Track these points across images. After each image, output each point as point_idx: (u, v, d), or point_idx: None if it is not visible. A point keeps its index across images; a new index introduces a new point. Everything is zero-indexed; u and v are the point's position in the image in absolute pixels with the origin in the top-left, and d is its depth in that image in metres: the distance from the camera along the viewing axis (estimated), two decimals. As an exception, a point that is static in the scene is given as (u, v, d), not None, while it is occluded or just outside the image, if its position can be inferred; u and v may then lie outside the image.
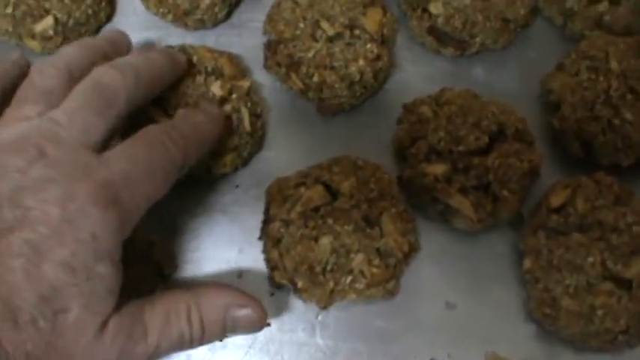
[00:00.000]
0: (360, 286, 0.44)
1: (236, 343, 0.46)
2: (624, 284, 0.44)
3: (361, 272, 0.44)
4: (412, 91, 0.50)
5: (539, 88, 0.52)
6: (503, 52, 0.53)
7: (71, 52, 0.41)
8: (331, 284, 0.44)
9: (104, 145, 0.37)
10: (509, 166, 0.46)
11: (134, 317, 0.36)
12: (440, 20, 0.51)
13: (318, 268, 0.43)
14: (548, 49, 0.53)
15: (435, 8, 0.51)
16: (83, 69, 0.39)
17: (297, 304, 0.46)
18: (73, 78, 0.39)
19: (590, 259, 0.44)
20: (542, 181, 0.48)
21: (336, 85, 0.48)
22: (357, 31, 0.48)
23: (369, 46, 0.48)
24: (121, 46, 0.45)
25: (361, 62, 0.48)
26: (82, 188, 0.33)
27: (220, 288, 0.40)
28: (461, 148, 0.46)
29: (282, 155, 0.50)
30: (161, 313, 0.37)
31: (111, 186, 0.34)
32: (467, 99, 0.49)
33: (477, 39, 0.51)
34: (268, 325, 0.41)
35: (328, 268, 0.43)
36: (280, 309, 0.46)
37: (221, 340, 0.41)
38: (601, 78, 0.49)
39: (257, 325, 0.40)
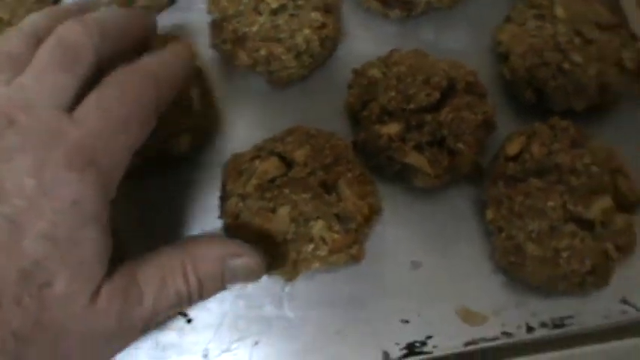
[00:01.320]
0: (322, 253, 0.44)
1: (205, 322, 0.45)
2: (586, 225, 0.44)
3: (322, 239, 0.44)
4: (362, 56, 0.49)
5: (490, 39, 0.51)
6: (452, 11, 0.52)
7: (37, 16, 0.39)
8: (294, 254, 0.44)
9: (78, 100, 0.34)
10: (462, 119, 0.46)
11: (128, 281, 0.34)
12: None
13: (278, 239, 0.43)
14: (497, 4, 0.53)
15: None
16: (50, 30, 0.37)
17: (263, 278, 0.46)
18: (41, 40, 0.36)
19: (551, 203, 0.44)
20: (499, 132, 0.48)
21: (284, 57, 0.48)
22: (300, 2, 0.48)
23: (313, 14, 0.48)
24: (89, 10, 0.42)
25: (306, 31, 0.48)
26: (55, 154, 0.32)
27: (212, 240, 0.39)
28: (412, 105, 0.46)
29: (239, 131, 0.50)
30: (156, 274, 0.35)
31: (85, 146, 0.33)
32: (416, 58, 0.48)
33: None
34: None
35: (289, 238, 0.43)
36: (246, 285, 0.46)
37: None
38: (548, 25, 0.49)
39: (256, 272, 0.39)
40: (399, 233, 0.47)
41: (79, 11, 0.41)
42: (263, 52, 0.48)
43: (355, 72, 0.49)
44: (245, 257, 0.38)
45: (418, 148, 0.46)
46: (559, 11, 0.49)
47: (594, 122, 0.49)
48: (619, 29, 0.50)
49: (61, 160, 0.32)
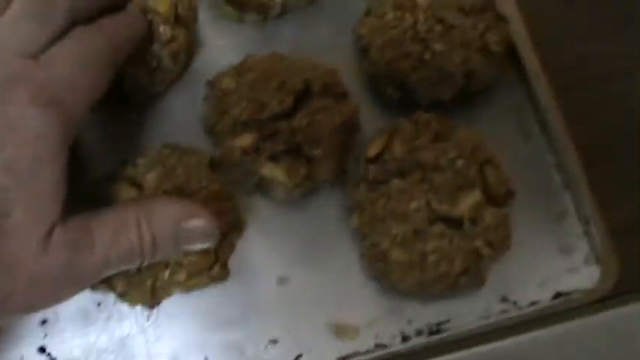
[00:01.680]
0: (180, 278, 0.42)
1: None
2: (455, 223, 0.42)
3: (178, 263, 0.41)
4: (219, 66, 0.47)
5: (351, 34, 0.49)
6: (312, 9, 0.50)
7: None
8: (149, 282, 0.42)
9: (45, 50, 0.36)
10: (318, 124, 0.43)
11: (81, 228, 0.35)
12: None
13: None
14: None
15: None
16: None
17: (125, 309, 0.44)
18: None
19: (414, 205, 0.42)
20: (367, 133, 0.46)
21: (137, 75, 0.45)
22: (149, 16, 0.46)
23: (161, 28, 0.45)
24: None
25: (155, 46, 0.45)
26: (20, 92, 0.33)
27: (169, 198, 0.40)
28: (266, 114, 0.43)
29: (93, 157, 0.47)
30: (109, 226, 0.36)
31: (49, 86, 0.34)
32: (271, 62, 0.46)
33: (278, -1, 0.48)
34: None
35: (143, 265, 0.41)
36: (110, 318, 0.44)
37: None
38: (407, 15, 0.46)
39: (210, 235, 0.39)
40: (265, 248, 0.45)
41: None
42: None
43: (209, 84, 0.46)
44: (200, 219, 0.38)
45: (273, 158, 0.43)
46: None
47: (466, 110, 0.47)
48: (484, 12, 0.47)
49: (26, 97, 0.33)
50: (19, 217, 0.33)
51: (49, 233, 0.34)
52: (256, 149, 0.43)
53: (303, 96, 0.44)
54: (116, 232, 0.36)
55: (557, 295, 0.44)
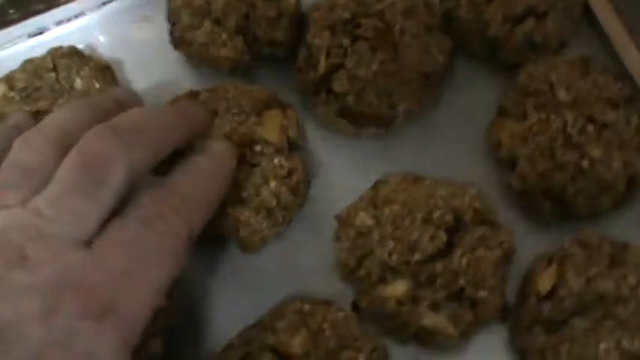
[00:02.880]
0: None
1: None
2: (650, 362, 0.37)
3: None
4: (341, 190, 0.41)
5: (483, 140, 0.43)
6: (433, 111, 0.44)
7: (64, 116, 0.33)
8: None
9: (100, 229, 0.30)
10: (479, 260, 0.38)
11: None
12: (350, 98, 0.42)
13: None
14: (481, 92, 0.44)
15: (339, 86, 0.42)
16: (77, 136, 0.31)
17: None
18: (67, 148, 0.31)
19: (602, 345, 0.37)
20: (517, 256, 0.40)
21: (252, 220, 0.39)
22: (257, 147, 0.39)
23: (276, 161, 0.39)
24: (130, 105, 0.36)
25: (273, 184, 0.39)
26: (67, 298, 0.28)
27: None
28: (418, 256, 0.38)
29: (215, 324, 0.41)
30: None
31: (104, 290, 0.28)
32: (408, 190, 0.40)
33: (400, 107, 0.42)
34: None
35: None
36: None
37: None
38: (552, 115, 0.41)
39: None
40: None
41: (117, 106, 0.35)
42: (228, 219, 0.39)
43: (340, 220, 0.41)
44: None
45: (434, 306, 0.38)
46: (562, 94, 0.41)
47: (615, 219, 0.42)
48: (633, 101, 0.42)
49: (75, 307, 0.28)
50: None
51: None
52: (413, 298, 0.38)
53: (453, 228, 0.39)
54: None
55: None
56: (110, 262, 0.29)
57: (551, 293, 0.39)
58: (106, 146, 0.30)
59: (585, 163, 0.40)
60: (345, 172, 0.43)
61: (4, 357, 0.27)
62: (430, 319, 0.38)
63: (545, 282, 0.39)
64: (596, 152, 0.40)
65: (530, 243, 0.41)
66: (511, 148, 0.41)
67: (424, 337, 0.39)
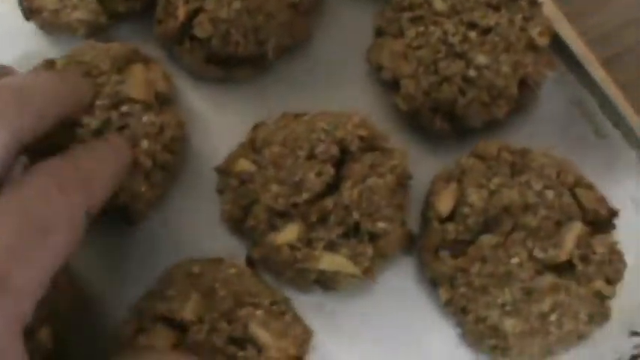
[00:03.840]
0: None
1: None
2: (566, 269, 0.35)
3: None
4: (221, 140, 0.38)
5: (364, 64, 0.40)
6: (308, 43, 0.41)
7: None
8: None
9: None
10: (371, 189, 0.35)
11: None
12: (215, 42, 0.38)
13: None
14: (357, 14, 0.42)
15: (201, 31, 0.38)
16: None
17: None
18: None
19: (515, 260, 0.34)
20: (420, 180, 0.38)
21: (132, 187, 0.36)
22: (124, 108, 0.36)
23: (145, 118, 0.36)
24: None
25: (145, 144, 0.36)
26: None
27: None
28: (305, 196, 0.34)
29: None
30: None
31: None
32: (288, 127, 0.37)
33: (270, 43, 0.39)
34: None
35: None
36: None
37: None
38: (431, 27, 0.38)
39: None
40: (344, 352, 0.36)
41: None
42: None
43: (220, 171, 0.37)
44: None
45: (330, 246, 0.35)
46: (438, 4, 0.38)
47: (523, 123, 0.39)
48: (514, 0, 0.39)
49: None
50: None
51: None
52: (307, 241, 0.35)
53: (340, 160, 0.36)
54: None
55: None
56: (2, 232, 0.26)
57: (454, 213, 0.36)
58: None
59: (472, 72, 0.37)
60: (223, 121, 0.40)
61: None
62: (328, 261, 0.35)
63: (445, 202, 0.36)
64: (481, 59, 0.37)
65: (429, 165, 0.39)
66: (393, 68, 0.38)
67: (326, 281, 0.36)
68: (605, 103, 0.40)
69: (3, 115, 0.27)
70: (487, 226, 0.35)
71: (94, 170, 0.31)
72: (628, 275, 0.37)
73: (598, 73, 0.41)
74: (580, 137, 0.40)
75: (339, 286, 0.36)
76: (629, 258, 0.37)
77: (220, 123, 0.40)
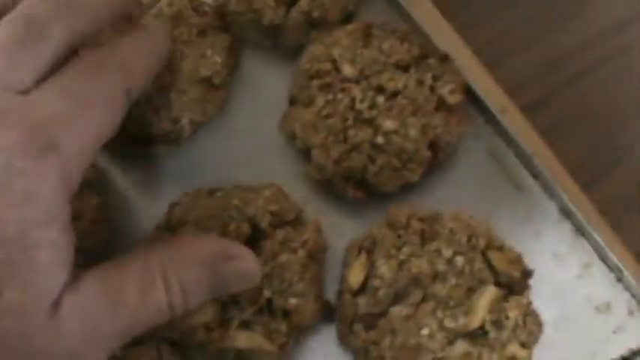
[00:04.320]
0: None
1: None
2: (479, 336, 0.35)
3: None
4: (142, 220, 0.39)
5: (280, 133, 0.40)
6: (224, 114, 0.41)
7: None
8: None
9: (40, 84, 0.29)
10: (283, 267, 0.36)
11: (98, 292, 0.29)
12: (129, 124, 0.39)
13: None
14: (272, 83, 0.42)
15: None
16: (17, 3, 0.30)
17: None
18: (9, 9, 0.30)
19: (425, 331, 0.34)
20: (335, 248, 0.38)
21: None
22: None
23: None
24: None
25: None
26: (4, 137, 0.26)
27: (200, 239, 0.34)
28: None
29: None
30: (133, 285, 0.30)
31: (43, 129, 0.27)
32: (201, 206, 0.38)
33: (184, 119, 0.39)
34: None
35: None
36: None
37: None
38: (339, 95, 0.38)
39: (251, 278, 0.33)
40: None
41: None
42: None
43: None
44: (238, 260, 0.32)
45: (245, 325, 0.35)
46: (346, 69, 0.38)
47: (431, 185, 0.39)
48: (424, 59, 0.39)
49: (14, 144, 0.26)
50: (13, 295, 0.26)
51: (56, 304, 0.27)
52: (221, 321, 0.36)
53: (251, 238, 0.36)
54: (142, 292, 0.29)
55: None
56: (49, 104, 0.28)
57: (365, 285, 0.36)
58: (44, 8, 0.29)
59: (380, 139, 0.37)
60: (143, 200, 0.40)
61: None
62: (243, 340, 0.36)
63: (355, 275, 0.36)
64: (389, 124, 0.37)
65: (348, 231, 0.39)
66: (304, 137, 0.39)
67: (245, 359, 0.37)
68: (522, 154, 0.40)
69: (61, 11, 0.29)
70: (398, 298, 0.36)
71: (132, 57, 0.32)
72: (550, 330, 0.37)
73: (516, 122, 0.40)
74: (499, 190, 0.40)
75: (261, 361, 0.37)
76: (550, 314, 0.37)
77: (141, 202, 0.40)
